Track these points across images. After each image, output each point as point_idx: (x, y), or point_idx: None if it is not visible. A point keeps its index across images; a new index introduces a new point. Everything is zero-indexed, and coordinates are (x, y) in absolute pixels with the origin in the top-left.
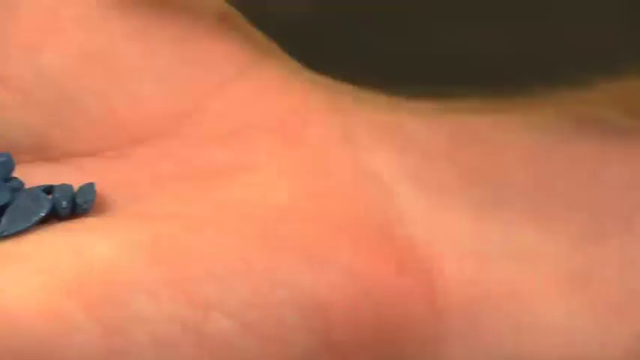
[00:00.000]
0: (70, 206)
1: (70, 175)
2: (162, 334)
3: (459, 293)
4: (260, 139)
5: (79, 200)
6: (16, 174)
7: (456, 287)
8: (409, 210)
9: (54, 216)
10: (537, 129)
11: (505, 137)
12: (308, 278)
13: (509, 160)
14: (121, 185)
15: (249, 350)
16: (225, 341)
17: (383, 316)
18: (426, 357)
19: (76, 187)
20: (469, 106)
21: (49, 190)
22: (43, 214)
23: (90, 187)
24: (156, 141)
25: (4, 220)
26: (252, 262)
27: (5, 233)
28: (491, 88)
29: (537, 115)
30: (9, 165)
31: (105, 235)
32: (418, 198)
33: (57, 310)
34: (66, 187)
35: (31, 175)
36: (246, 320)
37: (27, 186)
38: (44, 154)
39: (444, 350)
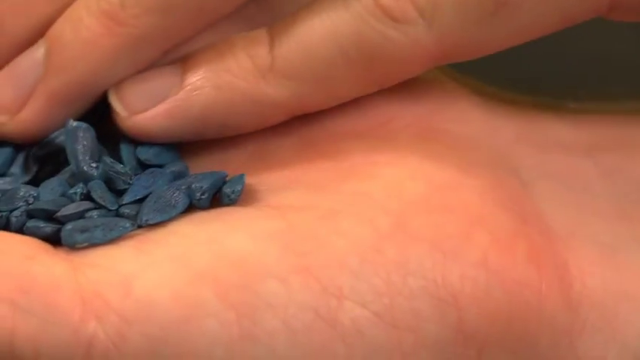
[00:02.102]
0: (207, 197)
1: (213, 168)
2: (294, 320)
3: (596, 288)
4: (399, 134)
5: (227, 190)
6: None
7: (593, 282)
8: (547, 206)
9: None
10: None
11: None
12: (440, 269)
13: None
14: (258, 177)
15: (382, 339)
16: (357, 330)
17: (516, 308)
18: (560, 350)
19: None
20: (611, 107)
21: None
22: (181, 209)
23: (240, 178)
24: (297, 133)
25: (146, 209)
26: (385, 252)
27: (146, 223)
28: (636, 88)
29: None
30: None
31: (239, 225)
32: (557, 195)
33: (190, 296)
34: (218, 176)
35: None
36: (379, 309)
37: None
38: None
39: (579, 344)
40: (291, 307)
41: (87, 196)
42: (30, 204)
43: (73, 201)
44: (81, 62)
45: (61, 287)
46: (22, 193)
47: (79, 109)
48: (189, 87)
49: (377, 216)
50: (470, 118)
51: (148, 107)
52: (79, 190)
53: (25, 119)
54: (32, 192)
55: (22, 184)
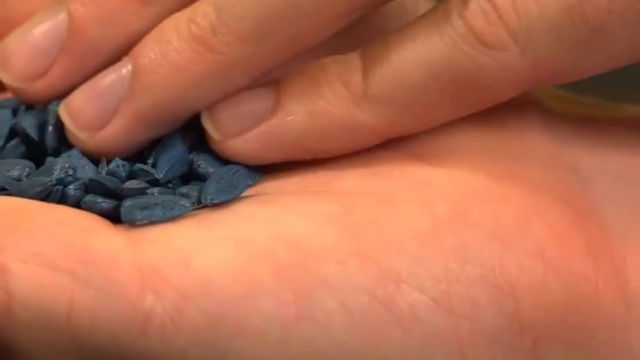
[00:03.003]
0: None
1: None
2: (351, 302)
3: None
4: (461, 124)
5: None
6: None
7: None
8: (604, 201)
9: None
10: None
11: None
12: (498, 258)
13: None
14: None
15: (438, 325)
16: (414, 315)
17: (572, 299)
18: (614, 345)
19: None
20: None
21: None
22: (242, 190)
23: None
24: None
25: (210, 189)
26: (443, 239)
27: (211, 202)
28: None
29: None
30: None
31: (299, 208)
32: (615, 192)
33: (248, 274)
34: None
35: None
36: (436, 295)
37: None
38: None
39: (634, 339)
40: (349, 289)
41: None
42: (70, 175)
43: (116, 174)
44: (168, 86)
45: (120, 261)
46: (60, 164)
47: (163, 131)
48: (283, 112)
49: (435, 203)
50: (529, 115)
51: (242, 131)
52: (120, 162)
53: (107, 137)
54: (69, 162)
55: (52, 156)
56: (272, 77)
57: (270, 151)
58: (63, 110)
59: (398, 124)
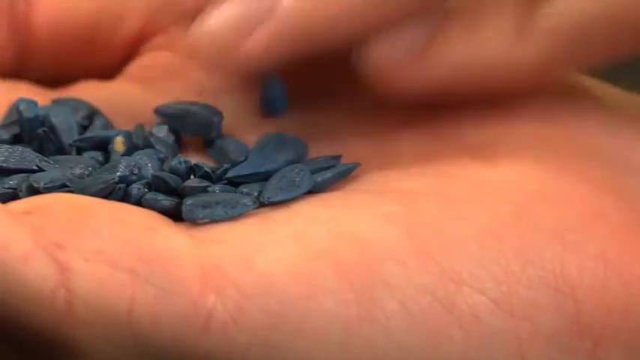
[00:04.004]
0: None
1: (331, 153)
2: (412, 303)
3: None
4: (521, 125)
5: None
6: None
7: None
8: None
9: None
10: None
11: None
12: (559, 260)
13: None
14: (380, 163)
15: (498, 327)
16: (475, 316)
17: (634, 302)
18: None
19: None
20: None
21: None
22: (305, 190)
23: (354, 166)
24: (417, 122)
25: (270, 187)
26: (505, 240)
27: (268, 200)
28: None
29: None
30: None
31: (361, 207)
32: None
33: (310, 273)
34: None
35: None
36: (497, 297)
37: None
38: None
39: None
40: (410, 290)
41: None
42: (134, 173)
43: (177, 172)
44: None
45: (182, 259)
46: (124, 162)
47: (300, 57)
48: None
49: (498, 204)
50: (588, 113)
51: (401, 64)
52: (182, 159)
53: (249, 52)
54: (134, 161)
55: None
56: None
57: (423, 85)
58: (203, 27)
59: (558, 59)
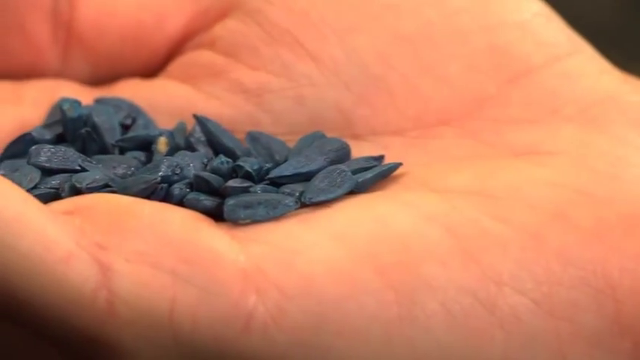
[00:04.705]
0: (370, 181)
1: (373, 153)
2: (453, 303)
3: None
4: (561, 126)
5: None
6: None
7: None
8: None
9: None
10: None
11: None
12: (600, 260)
13: None
14: (421, 162)
15: (539, 327)
16: (516, 317)
17: None
18: None
19: None
20: None
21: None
22: (346, 190)
23: (395, 166)
24: (458, 122)
25: (311, 188)
26: (546, 241)
27: (309, 201)
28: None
29: None
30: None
31: (402, 207)
32: None
33: (351, 273)
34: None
35: None
36: (538, 298)
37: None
38: (349, 130)
39: None
40: (451, 290)
41: (232, 169)
42: (176, 173)
43: (219, 172)
44: None
45: (223, 260)
46: (167, 162)
47: None
48: None
49: (538, 204)
50: (631, 116)
51: None
52: (224, 159)
53: None
54: (175, 161)
55: (164, 155)
56: None
57: None
58: None
59: None
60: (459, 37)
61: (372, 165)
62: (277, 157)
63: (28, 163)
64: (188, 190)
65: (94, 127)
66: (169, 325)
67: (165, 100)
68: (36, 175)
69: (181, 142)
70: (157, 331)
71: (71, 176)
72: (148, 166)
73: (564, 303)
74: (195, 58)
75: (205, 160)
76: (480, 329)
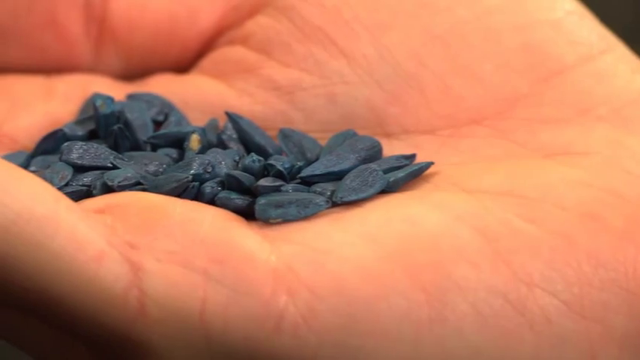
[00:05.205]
0: (401, 181)
1: (404, 152)
2: (483, 305)
3: None
4: (593, 127)
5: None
6: None
7: None
8: None
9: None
10: None
11: None
12: (632, 261)
13: None
14: (452, 163)
15: (569, 329)
16: (546, 318)
17: None
18: None
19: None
20: None
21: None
22: (378, 190)
23: (427, 165)
24: (491, 122)
25: (342, 187)
26: (577, 242)
27: (340, 200)
28: None
29: None
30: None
31: (433, 207)
32: None
33: (381, 274)
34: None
35: None
36: (569, 299)
37: None
38: (381, 129)
39: None
40: (481, 291)
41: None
42: (208, 172)
43: (251, 170)
44: None
45: (254, 260)
46: (199, 160)
47: None
48: None
49: (570, 205)
50: None
51: None
52: (256, 157)
53: None
54: (207, 159)
55: (196, 153)
56: None
57: None
58: None
59: None
60: (491, 36)
61: (403, 164)
62: (309, 155)
63: (61, 159)
64: (219, 188)
65: (127, 124)
66: (200, 325)
67: (197, 97)
68: (68, 172)
69: (213, 139)
70: (187, 330)
71: (103, 173)
72: (180, 163)
73: (595, 304)
74: (227, 54)
75: (237, 158)
76: (510, 330)
